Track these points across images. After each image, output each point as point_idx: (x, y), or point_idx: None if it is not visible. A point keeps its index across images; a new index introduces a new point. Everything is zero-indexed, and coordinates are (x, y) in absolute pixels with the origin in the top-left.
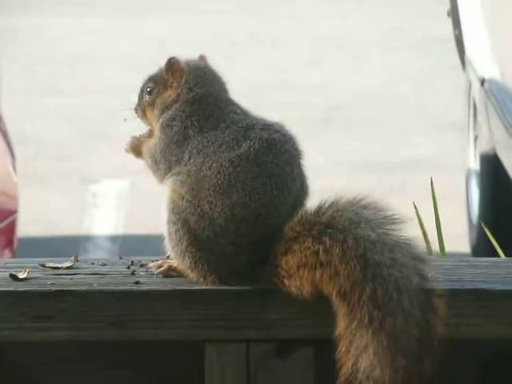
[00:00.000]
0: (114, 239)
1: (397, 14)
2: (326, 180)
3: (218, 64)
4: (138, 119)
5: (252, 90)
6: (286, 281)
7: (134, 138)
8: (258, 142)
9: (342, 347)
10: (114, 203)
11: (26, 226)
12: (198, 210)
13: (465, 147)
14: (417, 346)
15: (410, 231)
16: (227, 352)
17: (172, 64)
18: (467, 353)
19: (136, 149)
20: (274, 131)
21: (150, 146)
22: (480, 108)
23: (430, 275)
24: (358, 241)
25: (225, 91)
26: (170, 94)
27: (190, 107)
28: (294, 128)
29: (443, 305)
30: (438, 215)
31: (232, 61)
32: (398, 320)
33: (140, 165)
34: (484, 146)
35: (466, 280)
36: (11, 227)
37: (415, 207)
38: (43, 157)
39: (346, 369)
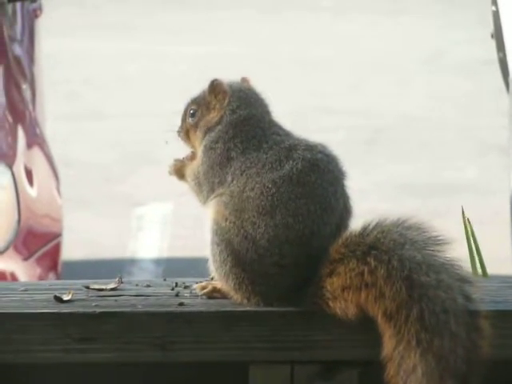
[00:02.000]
0: (158, 262)
1: (437, 36)
2: (370, 203)
3: (260, 87)
4: (182, 142)
5: (295, 114)
6: (330, 302)
7: (176, 160)
8: (301, 162)
9: (390, 369)
10: (159, 226)
11: (71, 250)
12: (242, 231)
13: (509, 170)
14: (464, 366)
15: (455, 253)
16: (272, 373)
17: (215, 86)
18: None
19: (179, 171)
20: (317, 152)
21: (193, 168)
22: None
23: (475, 296)
24: (403, 262)
25: (267, 113)
26: (213, 116)
27: (233, 129)
28: (338, 151)
29: (488, 326)
30: (475, 238)
31: (275, 84)
32: (446, 341)
33: (184, 188)
34: None
35: (511, 301)
36: (56, 250)
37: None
38: (88, 180)
39: None
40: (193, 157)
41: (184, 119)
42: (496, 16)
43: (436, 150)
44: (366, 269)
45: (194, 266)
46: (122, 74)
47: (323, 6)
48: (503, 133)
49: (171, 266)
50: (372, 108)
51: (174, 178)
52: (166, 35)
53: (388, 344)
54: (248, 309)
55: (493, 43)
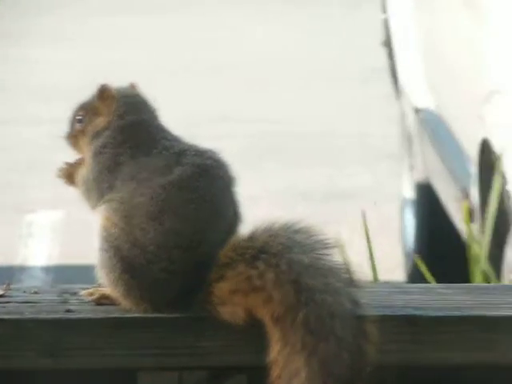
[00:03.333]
0: (48, 269)
1: (331, 43)
2: (264, 210)
3: (154, 94)
4: (72, 148)
5: (191, 121)
6: (219, 307)
7: (67, 164)
8: (191, 167)
9: (274, 372)
10: (49, 233)
11: None
12: (131, 237)
13: (400, 177)
14: (349, 371)
15: (344, 257)
16: (160, 380)
17: (102, 91)
18: (401, 379)
19: (69, 176)
20: (207, 157)
21: (82, 173)
22: (414, 138)
23: (362, 301)
24: (291, 265)
25: (156, 118)
26: (100, 121)
27: (121, 134)
28: (232, 158)
29: (375, 331)
30: (370, 245)
31: (171, 91)
32: (331, 345)
33: (74, 195)
34: (419, 176)
35: (398, 306)
36: None
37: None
38: None
39: None
40: (83, 161)
41: (72, 125)
42: (386, 24)
43: (330, 157)
44: (254, 273)
45: (85, 274)
46: (7, 81)
47: (225, 12)
48: (394, 140)
49: (61, 274)
50: (268, 116)
51: (64, 182)
52: (58, 42)
53: (274, 348)
54: (136, 315)
55: (383, 51)
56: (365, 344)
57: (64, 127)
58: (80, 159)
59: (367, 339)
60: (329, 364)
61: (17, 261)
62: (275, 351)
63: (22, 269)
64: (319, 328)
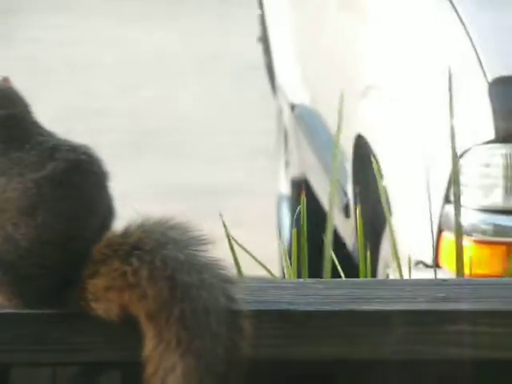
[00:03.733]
0: None
1: (213, 39)
2: (139, 205)
3: (28, 88)
4: None
5: (65, 116)
6: (93, 304)
7: None
8: (64, 163)
9: (149, 369)
10: None
11: None
12: (2, 232)
13: (276, 173)
14: (223, 366)
15: (219, 253)
16: (33, 376)
17: None
18: (271, 373)
19: None
20: (81, 153)
21: None
22: (290, 134)
23: (237, 296)
24: (165, 262)
25: (29, 113)
26: None
27: None
28: (107, 153)
29: (250, 326)
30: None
31: (45, 86)
32: (206, 341)
33: None
34: (295, 172)
35: (271, 301)
36: None
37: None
38: None
39: None
40: None
41: None
42: (262, 20)
43: (206, 153)
44: (128, 269)
45: None
46: None
47: (101, 10)
48: (271, 136)
49: None
50: (143, 110)
51: None
52: None
53: (149, 344)
54: (8, 311)
55: (259, 47)
56: (239, 339)
57: None
58: None
59: (242, 334)
60: (204, 359)
61: None
62: (150, 348)
63: None
64: (194, 324)
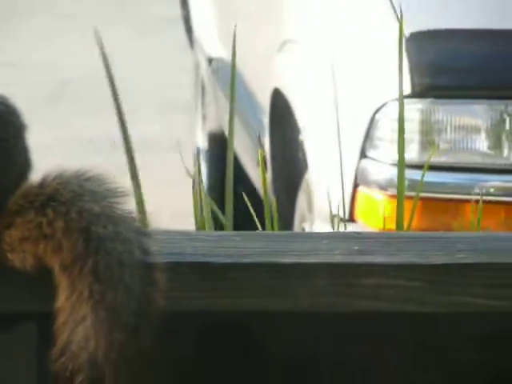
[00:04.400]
0: None
1: None
2: (54, 159)
3: None
4: None
5: None
6: (8, 254)
7: None
8: None
9: (60, 319)
10: None
11: None
12: None
13: (193, 127)
14: (135, 320)
15: (133, 206)
16: None
17: None
18: (188, 325)
19: None
20: None
21: None
22: (208, 87)
23: (152, 249)
24: (81, 214)
25: None
26: None
27: None
28: (20, 106)
29: (164, 279)
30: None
31: None
32: (119, 294)
33: None
34: (212, 125)
35: (188, 253)
36: None
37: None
38: None
39: (61, 340)
40: None
41: None
42: None
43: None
44: (44, 220)
45: None
46: None
47: None
48: (188, 90)
49: None
50: (57, 62)
51: None
52: None
53: (62, 295)
54: None
55: (176, 0)
56: (153, 292)
57: None
58: None
59: (155, 287)
60: (115, 312)
61: None
62: (63, 298)
63: None
64: (108, 276)
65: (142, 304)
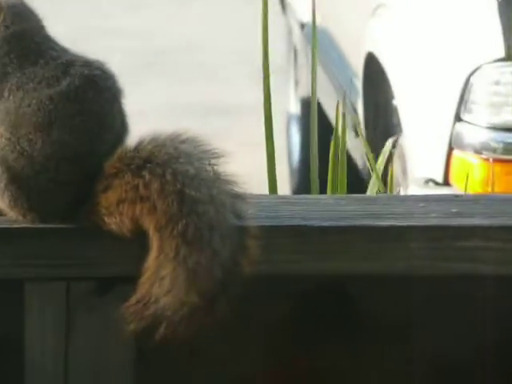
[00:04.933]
0: None
1: None
2: (150, 124)
3: (41, 8)
4: None
5: (73, 35)
6: (106, 218)
7: None
8: (79, 78)
9: (144, 276)
10: None
11: None
12: (18, 147)
13: (286, 92)
14: (216, 287)
15: (231, 168)
16: (47, 290)
17: None
18: (285, 288)
19: None
20: (95, 68)
21: None
22: (300, 53)
23: (246, 213)
24: (176, 176)
25: (42, 28)
26: None
27: (8, 45)
28: (116, 72)
29: (255, 245)
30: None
31: (53, 5)
32: (203, 258)
33: None
34: (304, 91)
35: (285, 217)
36: None
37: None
38: None
39: (139, 293)
40: None
41: None
42: None
43: (214, 73)
44: (140, 182)
45: None
46: None
47: None
48: (280, 56)
49: None
50: (151, 31)
51: None
52: None
53: (151, 255)
54: (23, 225)
55: None
56: (241, 259)
57: None
58: None
59: (245, 253)
60: (196, 276)
61: None
62: (151, 258)
63: None
64: (196, 239)
65: (227, 271)
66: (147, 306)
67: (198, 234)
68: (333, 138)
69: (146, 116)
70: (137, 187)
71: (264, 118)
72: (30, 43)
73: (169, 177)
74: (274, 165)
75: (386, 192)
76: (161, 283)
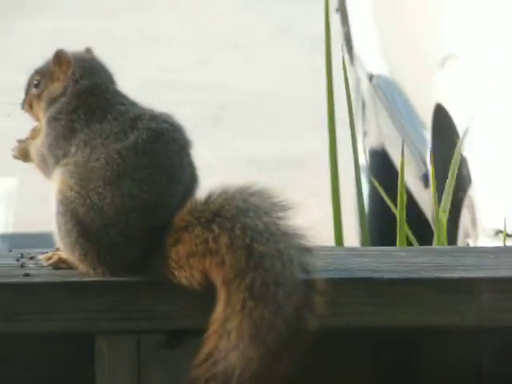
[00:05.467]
0: (3, 237)
1: (286, 11)
2: (218, 177)
3: (105, 60)
4: (25, 116)
5: (141, 89)
6: (176, 271)
7: (20, 141)
8: (146, 132)
9: (211, 329)
10: (3, 201)
11: None
12: (88, 201)
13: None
14: (280, 342)
15: (299, 220)
16: (117, 344)
17: (59, 56)
18: (356, 342)
19: (23, 152)
20: (162, 121)
21: (36, 145)
22: (368, 104)
23: (314, 266)
24: (245, 230)
25: (112, 83)
26: (56, 87)
27: (77, 100)
28: (185, 125)
29: (322, 301)
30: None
31: (121, 59)
32: (267, 312)
33: (28, 164)
34: (372, 142)
35: (355, 269)
36: None
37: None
38: None
39: (206, 348)
40: (34, 135)
41: (28, 90)
42: None
43: (282, 123)
44: (210, 236)
45: (40, 241)
46: None
47: None
48: (345, 106)
49: (17, 242)
50: (219, 83)
51: (20, 161)
52: (10, 9)
53: (218, 308)
54: (94, 279)
55: (337, 17)
56: (306, 313)
57: (21, 94)
58: (32, 134)
59: (311, 309)
60: (260, 330)
61: None
62: (218, 311)
63: None
64: (261, 294)
65: (291, 327)
66: (216, 363)
67: (263, 289)
68: (398, 189)
69: (214, 168)
70: (206, 241)
71: (330, 173)
72: (98, 99)
73: (238, 231)
74: (340, 218)
75: (455, 244)
76: (228, 337)
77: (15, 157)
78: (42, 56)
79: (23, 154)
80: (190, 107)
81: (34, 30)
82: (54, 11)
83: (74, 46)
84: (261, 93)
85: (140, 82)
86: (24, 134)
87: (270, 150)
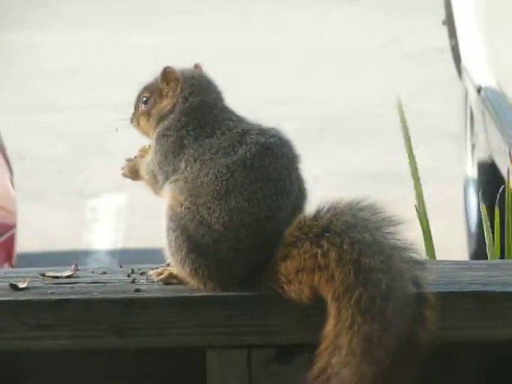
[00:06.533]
0: (113, 253)
1: (391, 24)
2: (324, 191)
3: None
4: (133, 130)
5: (246, 104)
6: (285, 286)
7: (129, 160)
8: (255, 146)
9: (323, 345)
10: (113, 217)
11: (25, 242)
12: (197, 216)
13: (462, 156)
14: (391, 356)
15: (409, 234)
16: (228, 358)
17: (167, 73)
18: (467, 357)
19: (132, 170)
20: (271, 135)
21: (146, 162)
22: (477, 116)
23: (426, 280)
24: (353, 245)
25: (220, 99)
26: (165, 104)
27: (186, 117)
28: (292, 139)
29: (434, 316)
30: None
31: (225, 75)
32: (376, 327)
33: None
34: (481, 155)
35: (466, 283)
36: (10, 241)
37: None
38: (41, 173)
39: (319, 364)
40: (143, 154)
41: (137, 106)
42: (447, 3)
43: (389, 137)
44: (319, 251)
45: (150, 257)
46: (73, 65)
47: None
48: (456, 120)
49: (126, 257)
50: (324, 97)
51: (129, 179)
52: (116, 26)
53: (329, 323)
54: (204, 294)
55: (445, 30)
56: (419, 330)
57: (129, 111)
58: (140, 153)
59: (423, 325)
60: (369, 346)
61: (81, 246)
62: (329, 326)
63: (87, 253)
64: (369, 309)
65: (403, 342)
66: (329, 380)
67: (370, 304)
68: (506, 202)
69: (320, 182)
70: (315, 256)
71: (415, 194)
72: (207, 115)
73: (346, 246)
74: (430, 235)
75: None
76: (339, 353)
77: (125, 175)
78: (146, 72)
79: (133, 173)
80: (296, 121)
81: (131, 44)
82: (156, 27)
83: (177, 62)
84: (366, 106)
85: (244, 98)
86: (133, 152)
87: (376, 163)
